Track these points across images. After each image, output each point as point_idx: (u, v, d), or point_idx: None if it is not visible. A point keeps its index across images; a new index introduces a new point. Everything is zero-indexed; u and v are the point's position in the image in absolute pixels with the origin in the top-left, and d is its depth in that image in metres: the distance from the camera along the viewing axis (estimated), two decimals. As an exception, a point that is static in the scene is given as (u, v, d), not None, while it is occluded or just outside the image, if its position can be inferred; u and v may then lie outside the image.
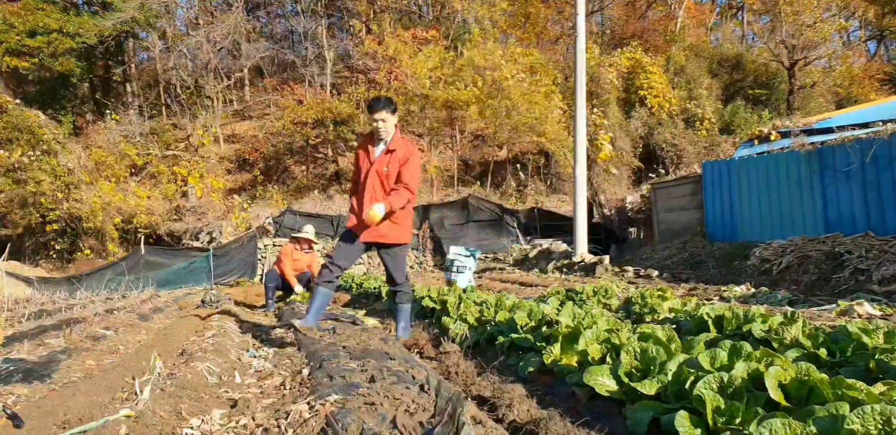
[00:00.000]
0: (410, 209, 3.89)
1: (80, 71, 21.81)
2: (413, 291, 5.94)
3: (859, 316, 4.55)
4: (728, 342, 2.22)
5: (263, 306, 7.72)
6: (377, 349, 3.21)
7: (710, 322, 3.15)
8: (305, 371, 3.05)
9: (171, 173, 19.53)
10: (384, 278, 9.16)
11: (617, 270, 10.62)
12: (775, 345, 2.63)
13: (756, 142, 12.32)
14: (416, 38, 21.13)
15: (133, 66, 26.49)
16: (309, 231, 7.64)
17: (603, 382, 2.20)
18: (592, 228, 14.16)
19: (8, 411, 2.07)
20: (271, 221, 16.08)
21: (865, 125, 9.70)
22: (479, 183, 20.54)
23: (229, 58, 25.73)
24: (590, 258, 11.63)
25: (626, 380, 2.15)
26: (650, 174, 17.58)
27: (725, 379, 1.81)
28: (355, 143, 20.55)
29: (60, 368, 3.25)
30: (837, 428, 1.40)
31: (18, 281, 11.53)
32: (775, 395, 1.75)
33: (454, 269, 7.46)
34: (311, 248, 7.66)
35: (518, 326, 3.32)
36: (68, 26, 20.61)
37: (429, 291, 5.65)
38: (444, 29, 24.17)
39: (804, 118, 12.88)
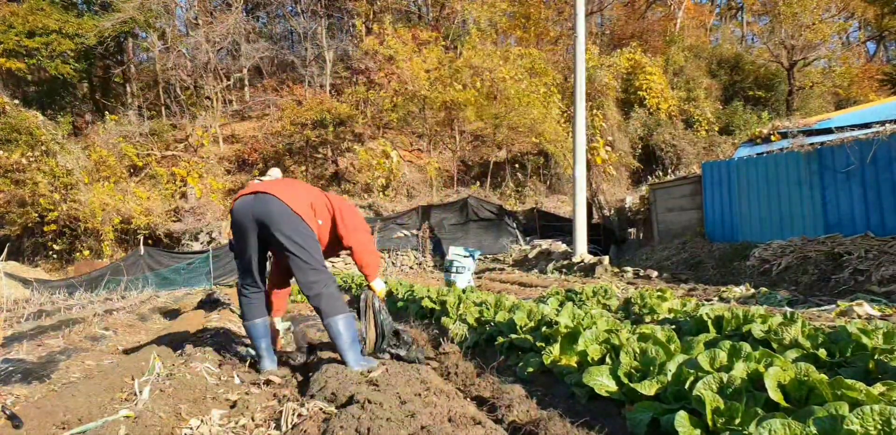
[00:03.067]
0: None
1: (76, 74, 21.78)
2: (413, 292, 5.94)
3: (859, 316, 4.55)
4: (727, 343, 2.22)
5: None
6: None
7: (709, 323, 3.15)
8: (303, 370, 3.05)
9: (170, 174, 19.52)
10: (383, 279, 9.16)
11: (616, 270, 10.63)
12: (775, 345, 2.63)
13: (756, 142, 12.33)
14: (416, 39, 21.15)
15: (132, 66, 26.48)
16: (273, 174, 5.42)
17: (602, 382, 2.20)
18: (592, 228, 14.18)
19: (7, 412, 2.06)
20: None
21: (865, 126, 9.71)
22: (478, 184, 20.54)
23: (229, 58, 25.74)
24: (589, 259, 11.63)
25: (625, 380, 2.15)
26: (649, 175, 17.59)
27: (725, 379, 1.82)
28: (356, 145, 20.62)
29: (60, 368, 3.25)
30: (837, 428, 1.40)
31: (17, 281, 11.52)
32: (775, 395, 1.75)
33: (453, 269, 7.45)
34: None
35: (517, 327, 3.32)
36: (68, 27, 20.61)
37: (428, 291, 5.64)
38: (444, 29, 24.20)
39: (803, 119, 12.90)
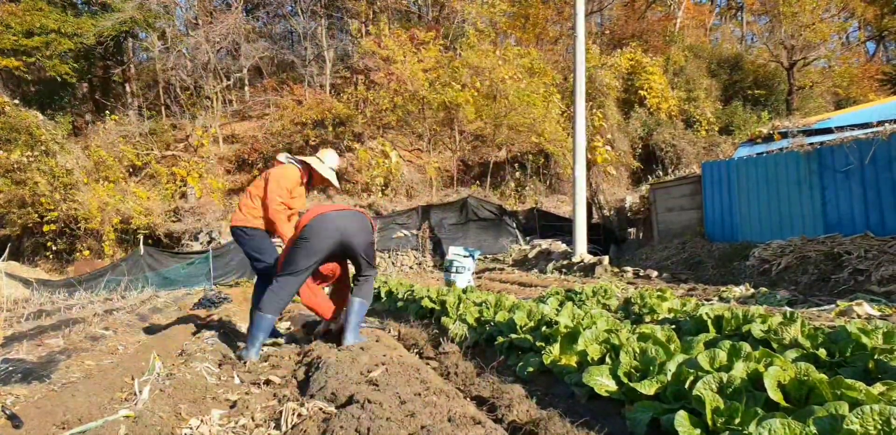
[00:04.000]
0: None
1: (74, 74, 21.74)
2: (413, 292, 5.94)
3: (858, 316, 4.56)
4: (727, 342, 2.23)
5: None
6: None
7: (709, 322, 3.15)
8: (303, 370, 3.05)
9: (170, 174, 19.51)
10: (383, 279, 9.17)
11: (616, 270, 10.63)
12: (774, 345, 2.63)
13: (755, 142, 12.33)
14: (414, 39, 21.14)
15: (132, 66, 26.46)
16: (332, 161, 4.33)
17: (602, 382, 2.20)
18: (592, 228, 14.17)
19: (7, 412, 2.06)
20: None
21: (864, 126, 9.71)
22: (478, 183, 20.54)
23: (228, 58, 25.72)
24: (589, 259, 11.63)
25: (625, 380, 2.15)
26: (649, 175, 17.59)
27: (725, 379, 1.82)
28: (356, 145, 20.59)
29: (59, 368, 3.25)
30: (837, 428, 1.40)
31: (17, 281, 11.51)
32: (774, 395, 1.75)
33: (453, 269, 7.45)
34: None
35: (517, 327, 3.32)
36: (66, 27, 20.57)
37: (428, 291, 5.64)
38: (444, 29, 24.19)
39: (803, 118, 12.90)
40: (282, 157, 4.22)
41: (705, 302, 5.53)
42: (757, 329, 2.83)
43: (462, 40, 21.87)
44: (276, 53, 27.43)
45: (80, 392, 2.39)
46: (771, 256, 8.54)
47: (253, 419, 2.21)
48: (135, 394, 2.45)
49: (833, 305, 5.13)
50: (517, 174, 21.11)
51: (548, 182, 20.97)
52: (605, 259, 11.30)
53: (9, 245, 15.44)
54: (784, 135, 11.53)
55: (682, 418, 1.68)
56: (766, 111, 20.33)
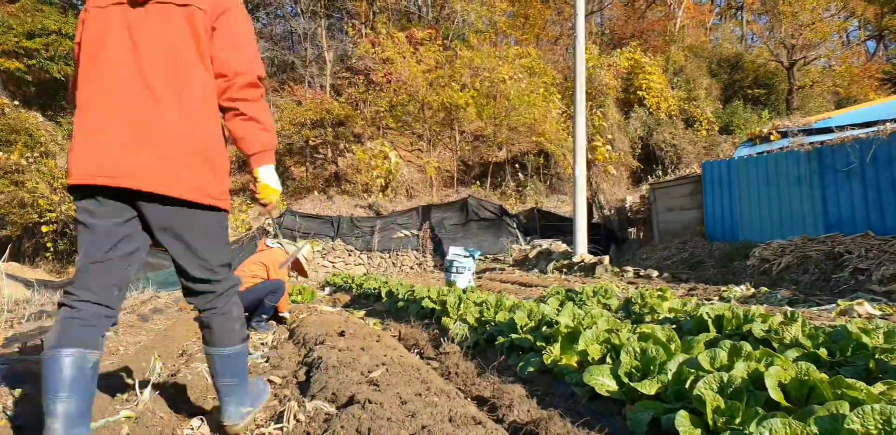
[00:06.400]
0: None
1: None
2: (413, 292, 5.94)
3: (859, 315, 4.56)
4: (728, 342, 2.22)
5: None
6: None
7: (709, 322, 3.15)
8: (304, 370, 3.05)
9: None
10: (384, 279, 9.14)
11: (616, 270, 10.63)
12: (775, 345, 2.63)
13: (756, 142, 12.33)
14: (412, 39, 21.12)
15: (132, 67, 26.47)
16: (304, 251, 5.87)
17: (603, 381, 2.20)
18: (592, 228, 14.17)
19: (8, 413, 2.07)
20: (271, 222, 16.11)
21: (865, 125, 9.71)
22: (478, 183, 20.54)
23: (229, 59, 25.70)
24: (589, 258, 11.63)
25: (625, 380, 2.15)
26: (649, 174, 17.60)
27: (725, 379, 1.81)
28: (355, 146, 20.55)
29: (60, 369, 3.24)
30: (838, 428, 1.40)
31: (18, 282, 11.51)
32: (775, 394, 1.75)
33: (454, 269, 7.45)
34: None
35: (518, 327, 3.32)
36: (67, 28, 20.59)
37: (429, 291, 5.64)
38: (444, 29, 24.20)
39: (803, 118, 12.90)
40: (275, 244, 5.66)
41: (706, 302, 5.54)
42: (758, 329, 2.83)
43: (459, 42, 21.88)
44: (276, 54, 27.45)
45: (80, 393, 2.39)
46: (771, 256, 8.54)
47: (254, 419, 2.21)
48: (136, 394, 2.45)
49: (834, 305, 5.13)
50: (517, 174, 21.11)
51: (548, 182, 20.97)
52: (606, 259, 11.30)
53: (9, 246, 15.44)
54: (784, 134, 11.52)
55: (682, 418, 1.68)
56: (767, 111, 20.34)
